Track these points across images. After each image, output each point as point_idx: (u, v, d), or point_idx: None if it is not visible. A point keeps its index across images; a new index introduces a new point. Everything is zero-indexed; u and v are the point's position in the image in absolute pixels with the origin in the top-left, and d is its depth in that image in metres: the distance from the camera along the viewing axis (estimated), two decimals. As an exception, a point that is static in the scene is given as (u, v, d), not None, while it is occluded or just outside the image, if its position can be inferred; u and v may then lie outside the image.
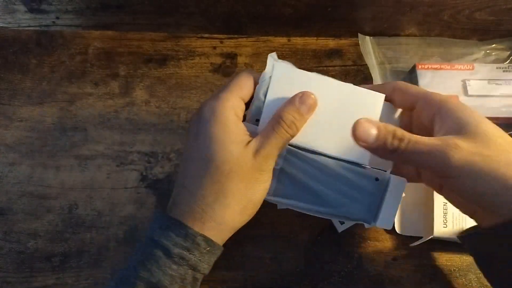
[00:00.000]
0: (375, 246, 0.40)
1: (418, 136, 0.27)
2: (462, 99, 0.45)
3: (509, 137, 0.27)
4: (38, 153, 0.43)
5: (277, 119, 0.30)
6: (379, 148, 0.28)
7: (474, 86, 0.45)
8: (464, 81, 0.46)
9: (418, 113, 0.31)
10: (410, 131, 0.28)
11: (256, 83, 0.32)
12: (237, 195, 0.29)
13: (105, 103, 0.46)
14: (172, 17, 0.48)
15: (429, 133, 0.30)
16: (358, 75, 0.48)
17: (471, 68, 0.47)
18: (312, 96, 0.30)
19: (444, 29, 0.50)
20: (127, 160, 0.43)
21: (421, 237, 0.38)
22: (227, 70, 0.48)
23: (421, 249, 0.39)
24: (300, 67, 0.48)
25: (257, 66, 0.48)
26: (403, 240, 0.40)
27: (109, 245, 0.39)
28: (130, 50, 0.49)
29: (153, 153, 0.44)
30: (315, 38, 0.51)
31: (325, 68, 0.49)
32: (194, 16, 0.48)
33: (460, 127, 0.27)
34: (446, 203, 0.38)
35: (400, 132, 0.27)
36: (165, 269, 0.28)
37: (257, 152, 0.29)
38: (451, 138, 0.26)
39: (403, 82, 0.32)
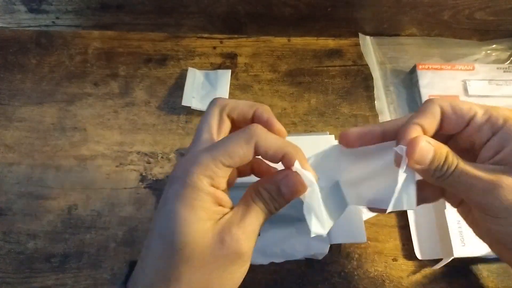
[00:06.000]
0: (375, 246, 0.40)
1: (470, 165, 0.24)
2: (463, 99, 0.45)
3: None
4: (38, 153, 0.43)
5: (256, 188, 0.25)
6: (429, 171, 0.24)
7: (475, 86, 0.45)
8: (464, 81, 0.46)
9: (470, 132, 0.25)
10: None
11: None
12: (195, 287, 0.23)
13: (105, 103, 0.46)
14: (172, 17, 0.48)
15: (472, 149, 0.26)
16: (358, 75, 0.48)
17: (471, 68, 0.47)
18: (298, 177, 0.24)
19: (444, 29, 0.50)
20: (127, 160, 0.43)
21: (441, 259, 0.37)
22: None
23: (421, 250, 0.39)
24: (300, 66, 0.49)
25: (257, 66, 0.48)
26: (403, 241, 0.39)
27: (109, 246, 0.39)
28: (130, 50, 0.49)
29: (152, 153, 0.43)
30: (316, 38, 0.50)
31: (325, 68, 0.49)
32: (194, 16, 0.48)
33: None
34: (460, 221, 0.37)
35: (451, 157, 0.24)
36: None
37: (231, 227, 0.23)
38: (505, 176, 0.23)
39: (448, 101, 0.25)
